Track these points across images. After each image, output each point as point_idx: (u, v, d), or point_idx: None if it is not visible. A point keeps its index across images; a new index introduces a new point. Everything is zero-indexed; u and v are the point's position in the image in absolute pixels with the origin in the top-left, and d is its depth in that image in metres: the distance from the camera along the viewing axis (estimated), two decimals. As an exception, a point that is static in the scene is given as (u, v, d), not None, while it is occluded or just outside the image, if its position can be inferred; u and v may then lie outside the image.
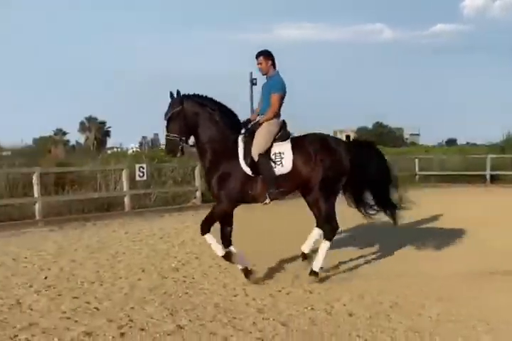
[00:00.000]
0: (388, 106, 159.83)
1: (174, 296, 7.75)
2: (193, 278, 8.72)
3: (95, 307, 7.24)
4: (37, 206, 15.29)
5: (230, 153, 8.24)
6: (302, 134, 8.90)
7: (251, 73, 42.72)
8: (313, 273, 8.40)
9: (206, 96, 8.47)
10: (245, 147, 8.23)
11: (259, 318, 6.74)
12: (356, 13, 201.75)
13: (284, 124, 8.52)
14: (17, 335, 6.18)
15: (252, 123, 8.50)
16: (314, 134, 8.71)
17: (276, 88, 8.46)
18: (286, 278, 8.64)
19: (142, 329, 6.36)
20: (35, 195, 15.39)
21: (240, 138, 8.31)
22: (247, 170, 8.17)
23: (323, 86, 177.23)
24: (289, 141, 8.40)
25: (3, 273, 9.16)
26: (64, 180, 18.17)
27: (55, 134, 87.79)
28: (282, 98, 8.48)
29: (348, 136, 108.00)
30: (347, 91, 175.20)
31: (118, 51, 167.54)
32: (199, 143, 8.42)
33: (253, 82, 42.64)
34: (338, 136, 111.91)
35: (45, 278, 8.86)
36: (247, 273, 8.40)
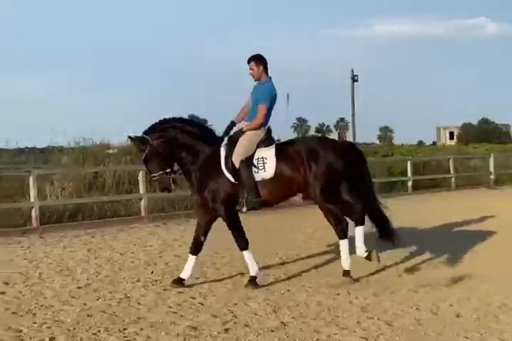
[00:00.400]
0: (494, 103, 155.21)
1: (277, 293, 7.79)
2: (295, 276, 8.73)
3: (200, 303, 7.37)
4: (142, 202, 15.70)
5: (213, 163, 8.16)
6: (288, 140, 8.77)
7: (352, 70, 42.43)
8: (345, 272, 8.27)
9: (164, 119, 8.32)
10: (227, 154, 8.13)
11: (363, 317, 6.68)
12: (458, 7, 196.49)
13: (268, 131, 8.36)
14: (126, 328, 6.36)
15: (235, 129, 8.39)
16: (302, 139, 8.62)
17: (263, 98, 8.24)
18: (390, 277, 8.54)
19: (246, 325, 6.43)
20: (141, 191, 15.80)
21: (222, 146, 8.22)
22: (230, 177, 8.10)
23: (426, 82, 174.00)
24: (273, 146, 8.22)
25: (112, 268, 9.46)
26: (168, 177, 18.55)
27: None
28: (269, 109, 8.27)
29: (451, 133, 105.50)
30: (451, 87, 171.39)
31: (217, 50, 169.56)
32: (182, 167, 8.36)
33: (354, 79, 42.34)
34: (442, 132, 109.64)
35: (152, 272, 9.09)
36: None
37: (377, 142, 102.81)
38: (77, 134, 19.34)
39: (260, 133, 8.24)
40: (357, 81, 42.64)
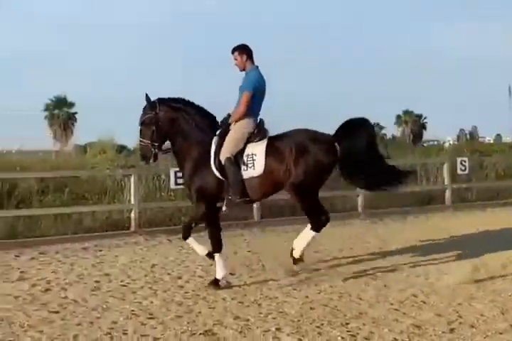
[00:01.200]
0: None
1: (504, 295, 7.45)
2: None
3: (422, 301, 7.24)
4: (359, 198, 15.69)
5: (204, 156, 7.92)
6: (283, 132, 8.21)
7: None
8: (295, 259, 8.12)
9: (182, 99, 8.16)
10: (216, 149, 7.85)
11: None
12: None
13: (260, 123, 7.99)
14: (348, 323, 6.41)
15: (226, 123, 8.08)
16: (295, 131, 8.07)
17: (246, 85, 7.90)
18: None
19: (472, 326, 6.23)
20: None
21: (214, 140, 7.93)
22: (217, 174, 7.81)
23: None
24: (265, 140, 7.86)
25: (327, 263, 9.56)
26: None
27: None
28: (257, 97, 7.92)
29: None
30: None
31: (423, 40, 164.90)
32: (175, 148, 8.17)
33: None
34: None
35: (372, 269, 9.06)
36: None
37: None
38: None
39: (248, 126, 8.00)
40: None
